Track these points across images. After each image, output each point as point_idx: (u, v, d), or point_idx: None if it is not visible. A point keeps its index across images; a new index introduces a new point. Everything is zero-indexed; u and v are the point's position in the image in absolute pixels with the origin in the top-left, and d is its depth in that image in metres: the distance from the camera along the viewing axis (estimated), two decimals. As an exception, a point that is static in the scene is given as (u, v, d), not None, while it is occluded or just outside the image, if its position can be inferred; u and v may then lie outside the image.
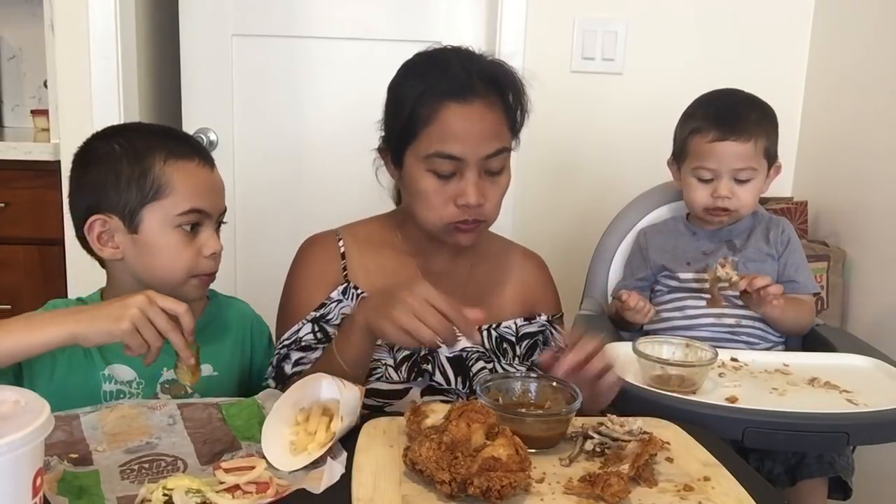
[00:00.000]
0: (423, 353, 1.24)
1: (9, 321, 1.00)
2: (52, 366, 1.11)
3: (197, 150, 1.18)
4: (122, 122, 2.14)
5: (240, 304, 1.32)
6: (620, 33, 2.22)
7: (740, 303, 1.44)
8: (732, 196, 1.44)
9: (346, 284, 1.27)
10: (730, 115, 1.44)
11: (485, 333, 1.29)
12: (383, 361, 1.22)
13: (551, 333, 1.33)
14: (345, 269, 1.28)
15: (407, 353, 1.24)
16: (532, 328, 1.32)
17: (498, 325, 1.30)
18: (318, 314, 1.24)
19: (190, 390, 1.16)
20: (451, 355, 1.25)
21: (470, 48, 1.23)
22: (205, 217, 1.15)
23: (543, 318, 1.33)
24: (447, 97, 1.16)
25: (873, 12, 1.99)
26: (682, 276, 1.49)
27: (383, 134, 1.26)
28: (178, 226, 1.13)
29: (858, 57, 2.06)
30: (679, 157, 1.51)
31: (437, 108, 1.16)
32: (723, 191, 1.44)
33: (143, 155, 1.13)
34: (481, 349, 1.27)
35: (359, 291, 1.26)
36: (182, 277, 1.14)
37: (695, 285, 1.48)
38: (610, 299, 1.62)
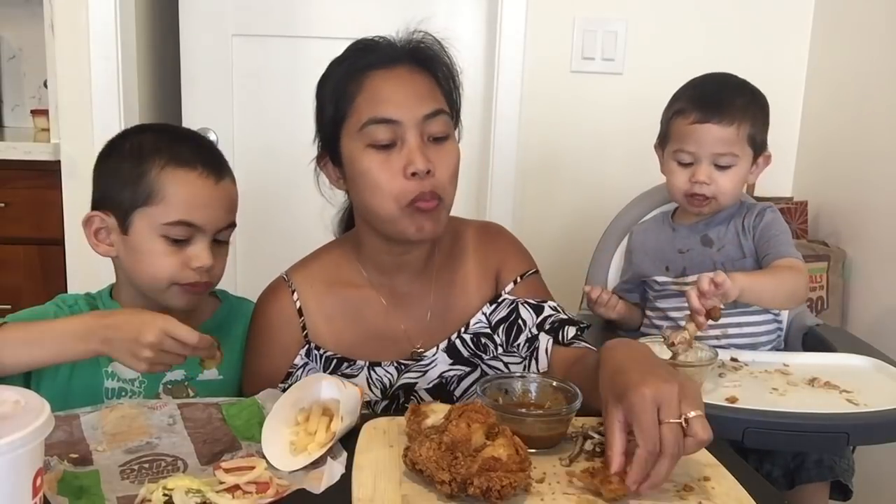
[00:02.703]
0: (401, 400, 1.18)
1: (35, 331, 1.03)
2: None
3: (203, 160, 1.13)
4: (121, 121, 2.15)
5: (249, 305, 1.29)
6: (620, 33, 2.23)
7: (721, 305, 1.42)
8: (711, 182, 1.39)
9: (307, 346, 1.19)
10: (714, 97, 1.40)
11: (458, 342, 1.20)
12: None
13: (523, 306, 1.21)
14: (304, 327, 1.19)
15: (386, 402, 1.18)
16: (503, 311, 1.21)
17: (467, 328, 1.22)
18: (286, 385, 1.16)
19: (193, 392, 1.16)
20: (429, 386, 1.19)
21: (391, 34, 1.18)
22: (196, 231, 1.11)
23: (509, 288, 1.23)
24: (372, 67, 1.11)
25: (873, 12, 1.99)
26: (661, 279, 1.48)
27: (318, 142, 1.18)
28: (164, 235, 1.10)
29: (858, 57, 2.06)
30: (663, 140, 1.48)
31: (362, 79, 1.10)
32: (701, 175, 1.39)
33: (144, 157, 1.12)
34: (462, 370, 1.20)
35: (321, 352, 1.18)
36: (162, 285, 1.12)
37: (673, 289, 1.47)
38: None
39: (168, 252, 1.11)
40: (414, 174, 1.06)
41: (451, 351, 1.21)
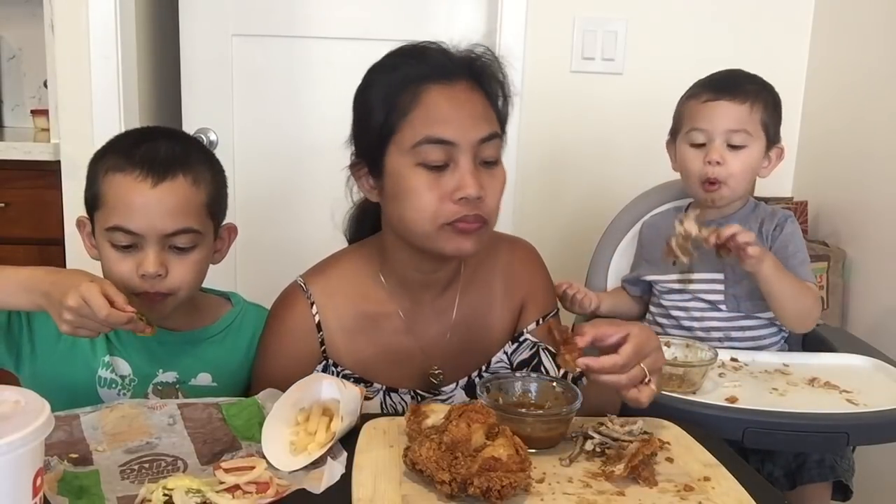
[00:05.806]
0: None
1: None
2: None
3: (146, 162, 1.08)
4: (121, 121, 2.15)
5: (260, 312, 1.25)
6: (620, 33, 2.22)
7: (724, 307, 1.42)
8: (724, 162, 1.38)
9: (325, 362, 1.16)
10: (726, 80, 1.43)
11: (477, 381, 1.16)
12: None
13: (544, 352, 1.20)
14: (322, 342, 1.15)
15: None
16: (525, 353, 1.21)
17: (488, 365, 1.20)
18: None
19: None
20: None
21: (444, 41, 1.12)
22: (138, 238, 1.08)
23: (531, 327, 1.22)
24: (429, 80, 1.05)
25: (873, 12, 1.99)
26: (662, 278, 1.47)
27: (354, 148, 1.15)
28: (109, 241, 1.09)
29: (858, 57, 2.06)
30: (675, 131, 1.48)
31: (419, 91, 1.04)
32: (714, 155, 1.38)
33: (98, 161, 1.12)
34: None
35: (339, 369, 1.15)
36: (126, 290, 1.08)
37: (677, 286, 1.46)
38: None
39: (118, 259, 1.09)
40: (462, 198, 1.03)
41: (470, 389, 1.19)
